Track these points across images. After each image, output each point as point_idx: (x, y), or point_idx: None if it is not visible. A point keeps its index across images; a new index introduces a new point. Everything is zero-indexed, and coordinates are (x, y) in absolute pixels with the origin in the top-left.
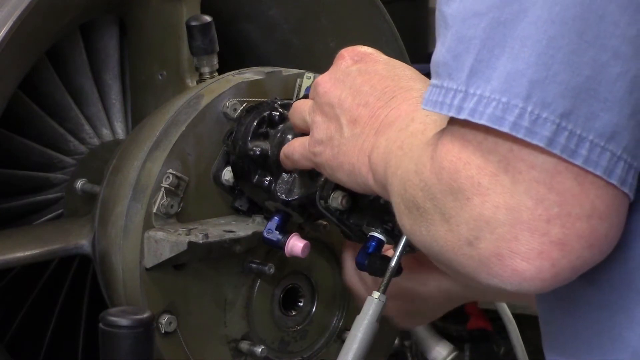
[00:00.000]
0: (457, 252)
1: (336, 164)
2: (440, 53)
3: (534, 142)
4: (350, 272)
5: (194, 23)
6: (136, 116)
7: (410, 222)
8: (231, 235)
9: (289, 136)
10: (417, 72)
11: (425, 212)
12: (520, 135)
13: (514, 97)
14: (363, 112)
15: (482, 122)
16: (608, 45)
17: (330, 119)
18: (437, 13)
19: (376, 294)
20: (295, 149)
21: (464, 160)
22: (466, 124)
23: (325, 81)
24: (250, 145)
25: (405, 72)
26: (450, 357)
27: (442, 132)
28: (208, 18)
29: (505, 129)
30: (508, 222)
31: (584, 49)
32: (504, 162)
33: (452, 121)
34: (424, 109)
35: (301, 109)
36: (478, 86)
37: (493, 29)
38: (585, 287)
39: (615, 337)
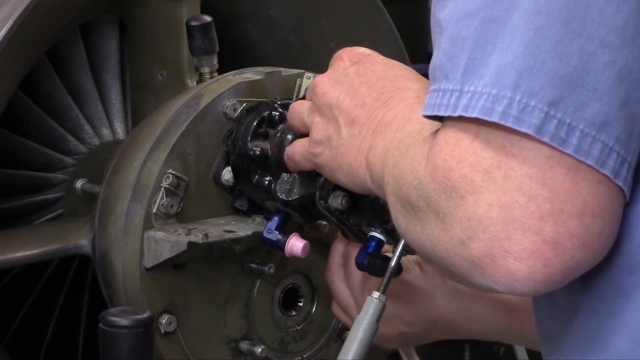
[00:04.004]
0: (450, 252)
1: (335, 164)
2: (436, 57)
3: (523, 129)
4: (334, 267)
5: (194, 23)
6: (136, 116)
7: (405, 221)
8: (231, 235)
9: (289, 136)
10: (415, 72)
11: (419, 211)
12: (508, 124)
13: (503, 88)
14: (361, 113)
15: (474, 115)
16: (595, 35)
17: (328, 120)
18: (431, 20)
19: (376, 294)
20: (296, 150)
21: (457, 158)
22: (459, 121)
23: (323, 82)
24: (250, 145)
25: (402, 72)
26: None
27: (438, 131)
28: (208, 18)
29: (494, 118)
30: (501, 221)
31: (571, 38)
32: (496, 159)
33: (447, 120)
34: (423, 116)
35: (299, 110)
36: (472, 83)
37: (485, 27)
38: (578, 290)
39: (604, 345)
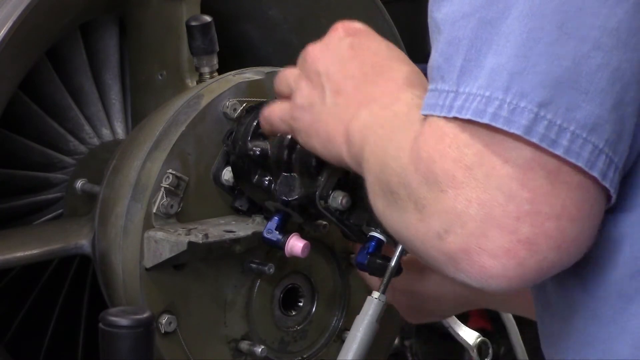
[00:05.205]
0: (426, 243)
1: (312, 130)
2: (434, 58)
3: (512, 130)
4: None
5: (194, 23)
6: (136, 116)
7: (383, 204)
8: (231, 235)
9: (289, 135)
10: (406, 56)
11: (399, 198)
12: (498, 125)
13: (495, 90)
14: (348, 84)
15: (467, 117)
16: (588, 37)
17: (314, 86)
18: (429, 20)
19: (376, 294)
20: (274, 111)
21: (440, 152)
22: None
23: (315, 50)
24: (250, 145)
25: (395, 53)
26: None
27: (424, 122)
28: (208, 18)
29: (485, 120)
30: (479, 218)
31: (564, 40)
32: (479, 156)
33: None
34: (422, 114)
35: (287, 76)
36: (467, 84)
37: (480, 28)
38: (580, 294)
39: (606, 350)
